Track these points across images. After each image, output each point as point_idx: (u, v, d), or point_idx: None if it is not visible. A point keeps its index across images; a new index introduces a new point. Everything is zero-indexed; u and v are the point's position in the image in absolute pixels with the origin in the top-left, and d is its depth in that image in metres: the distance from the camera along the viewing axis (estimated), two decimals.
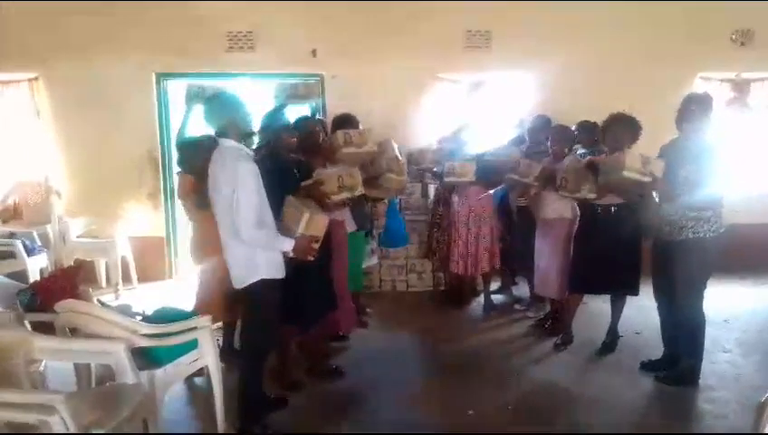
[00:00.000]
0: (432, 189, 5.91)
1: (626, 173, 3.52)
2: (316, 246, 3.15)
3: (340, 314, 4.10)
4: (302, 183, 3.54)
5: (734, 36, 6.51)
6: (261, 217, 2.96)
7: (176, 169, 4.26)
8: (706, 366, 3.86)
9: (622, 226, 3.97)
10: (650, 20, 6.36)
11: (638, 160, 3.51)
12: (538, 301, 5.12)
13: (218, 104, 3.13)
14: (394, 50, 6.27)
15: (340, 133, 3.91)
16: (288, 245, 3.05)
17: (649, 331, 4.22)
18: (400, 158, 4.47)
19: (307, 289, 3.47)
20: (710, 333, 3.87)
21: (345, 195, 3.60)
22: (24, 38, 6.11)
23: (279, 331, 3.38)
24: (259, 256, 3.04)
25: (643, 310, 4.29)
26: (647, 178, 3.52)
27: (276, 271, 3.11)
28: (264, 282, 3.06)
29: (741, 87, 6.56)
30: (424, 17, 6.28)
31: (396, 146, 4.52)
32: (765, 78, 6.55)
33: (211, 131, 3.19)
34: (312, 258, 3.16)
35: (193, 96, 4.21)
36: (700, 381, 3.76)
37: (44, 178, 6.17)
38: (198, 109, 4.14)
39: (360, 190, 3.65)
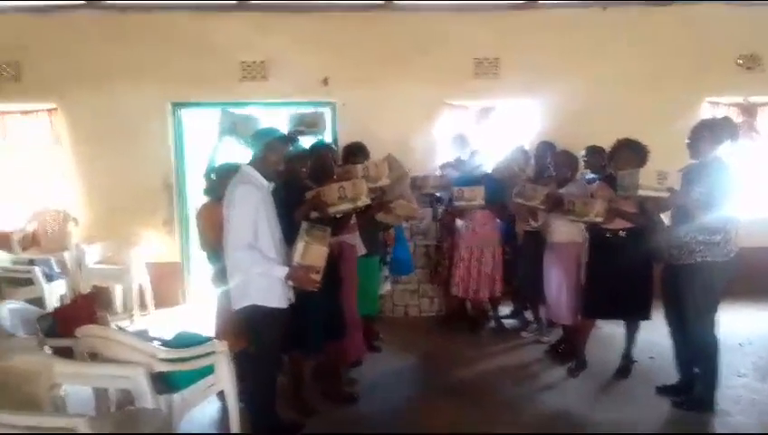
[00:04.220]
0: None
1: (641, 192, 3.54)
2: (316, 276, 3.12)
3: (350, 340, 4.10)
4: (306, 194, 3.59)
5: (740, 61, 6.59)
6: (252, 240, 3.01)
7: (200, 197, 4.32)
8: (722, 391, 3.84)
9: (632, 250, 3.98)
10: (657, 46, 6.47)
11: (652, 178, 3.53)
12: (550, 325, 5.12)
13: (260, 137, 3.25)
14: (404, 77, 6.41)
15: (359, 167, 3.97)
16: (280, 272, 3.06)
17: (664, 355, 4.21)
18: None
19: (312, 315, 3.47)
20: (725, 358, 3.84)
21: (347, 205, 3.56)
22: (43, 69, 6.29)
23: (283, 357, 3.41)
24: (253, 281, 3.08)
25: (658, 334, 4.28)
26: (664, 194, 3.52)
27: (271, 299, 3.12)
28: (255, 308, 3.11)
29: (749, 111, 6.61)
30: (433, 45, 6.44)
31: (399, 163, 4.62)
32: None
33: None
34: (315, 289, 3.15)
35: (226, 128, 4.28)
36: (716, 406, 3.73)
37: (62, 205, 6.30)
38: (230, 140, 4.27)
39: (363, 201, 3.61)
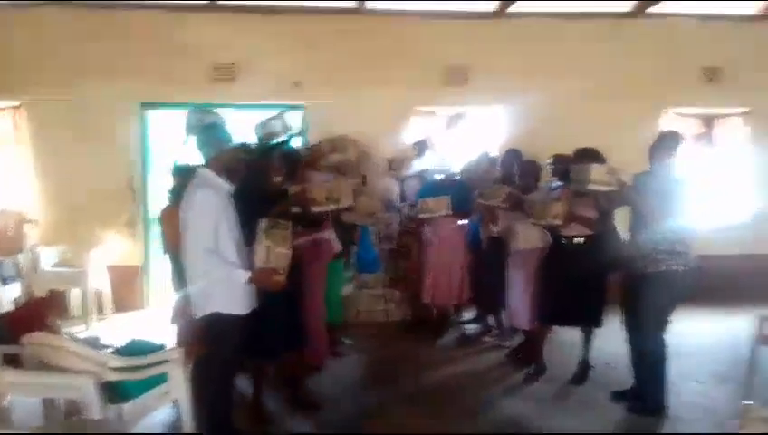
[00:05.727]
0: None
1: (591, 186, 3.64)
2: (279, 278, 3.09)
3: (313, 343, 4.04)
4: (290, 189, 3.57)
5: (707, 73, 6.73)
6: (212, 244, 2.95)
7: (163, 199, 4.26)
8: (677, 397, 3.90)
9: (587, 258, 4.04)
10: (625, 57, 6.59)
11: (603, 172, 3.63)
12: (512, 331, 5.15)
13: (207, 135, 3.19)
14: (375, 82, 6.40)
15: (324, 141, 3.99)
16: (242, 277, 3.01)
17: (621, 362, 4.27)
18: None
19: (270, 323, 3.41)
20: (682, 364, 3.92)
21: (331, 206, 3.62)
22: (7, 66, 6.12)
23: (236, 366, 3.36)
24: (216, 287, 3.01)
25: (616, 341, 4.34)
26: (614, 188, 3.62)
27: (234, 306, 3.07)
28: (218, 316, 3.05)
29: (709, 122, 6.76)
30: (405, 51, 6.46)
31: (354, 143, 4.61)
32: (730, 114, 6.76)
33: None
34: (280, 288, 3.12)
35: (191, 125, 4.20)
36: (671, 412, 3.78)
37: (19, 206, 6.12)
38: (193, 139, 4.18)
39: (346, 202, 3.66)
